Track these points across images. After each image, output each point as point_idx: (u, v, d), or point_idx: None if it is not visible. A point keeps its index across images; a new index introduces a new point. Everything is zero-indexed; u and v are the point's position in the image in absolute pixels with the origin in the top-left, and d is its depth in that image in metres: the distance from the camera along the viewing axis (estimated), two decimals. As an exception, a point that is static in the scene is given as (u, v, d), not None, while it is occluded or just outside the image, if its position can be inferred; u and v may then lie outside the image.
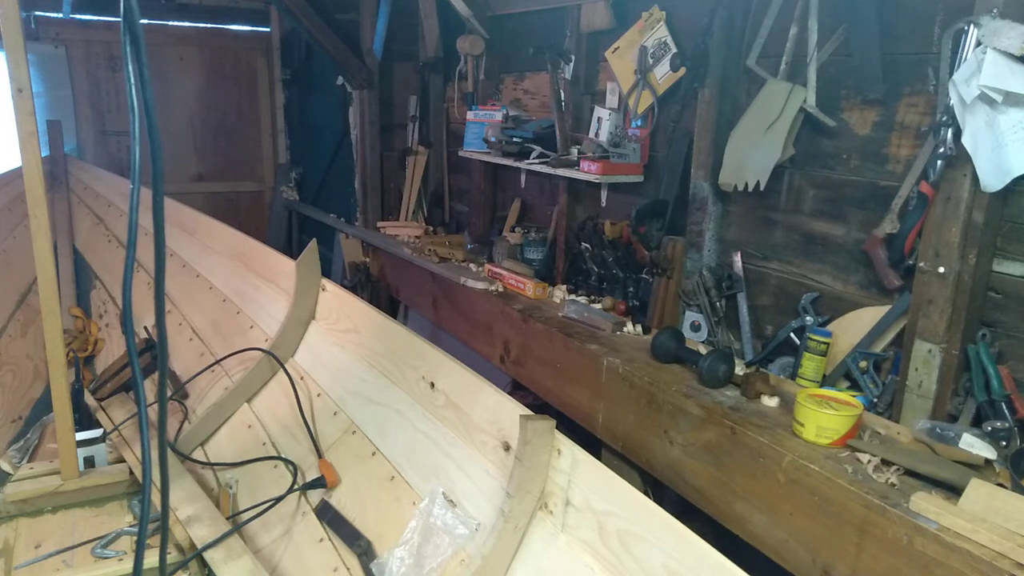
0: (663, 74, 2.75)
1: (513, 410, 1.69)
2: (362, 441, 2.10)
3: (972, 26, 1.73)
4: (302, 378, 2.43)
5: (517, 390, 3.08)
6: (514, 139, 3.37)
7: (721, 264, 2.61)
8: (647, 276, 2.85)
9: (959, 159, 1.79)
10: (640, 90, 2.84)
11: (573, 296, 3.01)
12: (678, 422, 2.07)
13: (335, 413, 2.24)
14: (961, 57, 1.76)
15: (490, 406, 1.78)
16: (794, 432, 1.83)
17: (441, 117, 4.52)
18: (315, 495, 2.06)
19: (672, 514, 1.40)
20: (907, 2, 1.97)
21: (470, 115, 3.79)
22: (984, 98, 1.69)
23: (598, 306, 2.85)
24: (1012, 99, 1.66)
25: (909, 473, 1.63)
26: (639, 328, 2.61)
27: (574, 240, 3.25)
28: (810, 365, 2.13)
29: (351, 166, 4.93)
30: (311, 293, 2.56)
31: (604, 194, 3.11)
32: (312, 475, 2.09)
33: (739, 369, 2.19)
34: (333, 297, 2.53)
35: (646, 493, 2.16)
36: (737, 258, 2.55)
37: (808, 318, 2.26)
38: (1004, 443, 1.71)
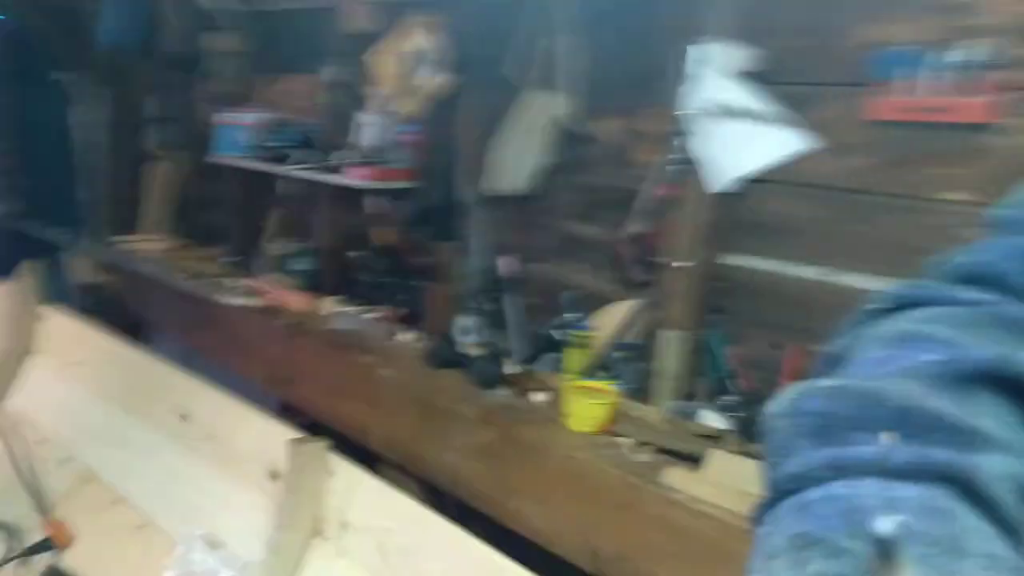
0: (428, 79, 2.76)
1: (281, 434, 1.58)
2: (101, 489, 1.83)
3: (697, 45, 1.94)
4: (16, 425, 2.05)
5: (287, 412, 2.90)
6: (274, 144, 3.19)
7: (490, 267, 2.68)
8: (419, 283, 2.84)
9: (693, 164, 2.00)
10: (406, 95, 2.82)
11: (344, 307, 2.90)
12: (455, 426, 2.07)
13: (65, 461, 1.93)
14: (689, 73, 1.97)
15: (255, 433, 1.64)
16: (562, 424, 1.91)
17: (191, 119, 4.14)
18: (43, 560, 1.75)
19: (454, 521, 1.39)
20: (646, 18, 2.16)
21: (225, 117, 3.51)
22: (711, 109, 1.90)
23: (371, 316, 2.78)
24: (732, 110, 1.89)
25: (662, 451, 1.78)
26: (413, 335, 2.59)
27: (342, 249, 3.15)
28: (573, 359, 2.25)
29: (82, 174, 4.34)
30: (25, 323, 2.18)
31: (373, 200, 3.05)
32: (36, 538, 1.77)
33: (510, 368, 2.25)
34: (59, 326, 2.18)
35: (427, 503, 2.14)
36: (505, 261, 2.62)
37: (570, 315, 2.39)
38: (735, 414, 1.94)
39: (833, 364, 0.47)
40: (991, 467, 0.35)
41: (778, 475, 0.38)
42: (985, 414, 0.38)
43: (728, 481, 1.60)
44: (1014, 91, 1.55)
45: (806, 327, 1.91)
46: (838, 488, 0.34)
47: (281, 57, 3.47)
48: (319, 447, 1.52)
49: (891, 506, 0.32)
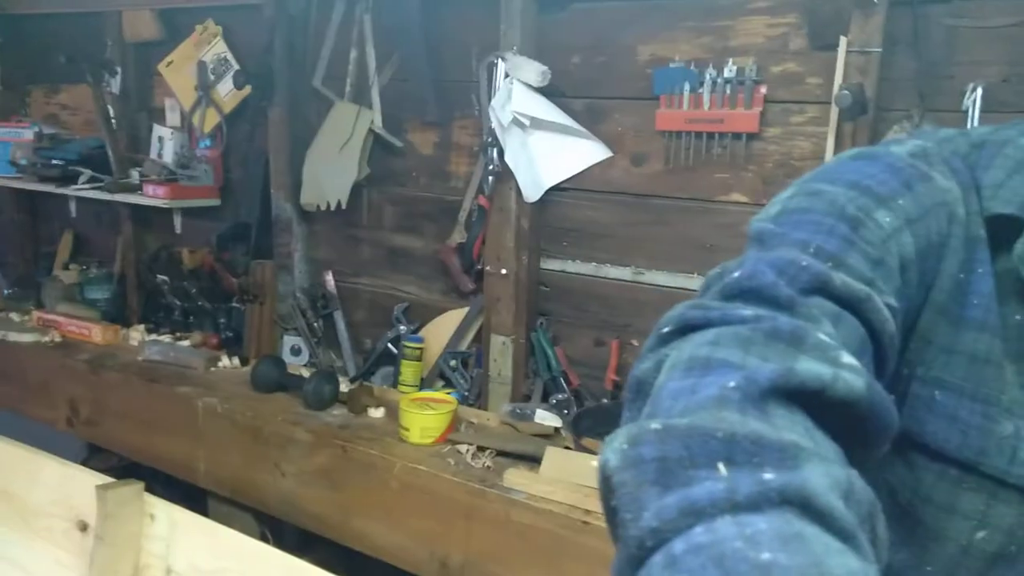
0: (227, 91, 2.62)
1: (87, 481, 1.43)
2: None
3: (500, 59, 2.01)
4: None
5: (95, 455, 2.64)
6: (54, 161, 2.87)
7: (314, 284, 2.60)
8: (238, 304, 2.70)
9: (505, 175, 2.07)
10: (204, 107, 2.67)
11: (155, 336, 2.68)
12: (288, 452, 1.99)
13: None
14: (495, 86, 2.04)
15: (55, 483, 1.47)
16: (401, 438, 1.91)
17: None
18: None
19: (293, 549, 1.34)
20: (449, 34, 2.20)
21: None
22: (517, 122, 1.98)
23: (186, 343, 2.59)
24: (537, 123, 1.98)
25: (501, 454, 1.83)
26: (236, 360, 2.45)
27: (148, 273, 2.91)
28: (408, 371, 2.25)
29: None
30: None
31: (178, 220, 2.86)
32: None
33: (344, 386, 2.20)
34: None
35: (263, 536, 2.05)
36: (329, 277, 2.56)
37: (402, 327, 2.39)
38: (566, 411, 2.04)
39: (638, 391, 0.48)
40: (816, 477, 0.36)
41: (636, 532, 0.36)
42: (788, 427, 0.40)
43: (564, 476, 1.69)
44: (775, 104, 1.78)
45: (624, 323, 2.05)
46: (699, 536, 0.34)
47: (54, 66, 3.14)
48: (132, 490, 1.39)
49: (754, 543, 0.32)
